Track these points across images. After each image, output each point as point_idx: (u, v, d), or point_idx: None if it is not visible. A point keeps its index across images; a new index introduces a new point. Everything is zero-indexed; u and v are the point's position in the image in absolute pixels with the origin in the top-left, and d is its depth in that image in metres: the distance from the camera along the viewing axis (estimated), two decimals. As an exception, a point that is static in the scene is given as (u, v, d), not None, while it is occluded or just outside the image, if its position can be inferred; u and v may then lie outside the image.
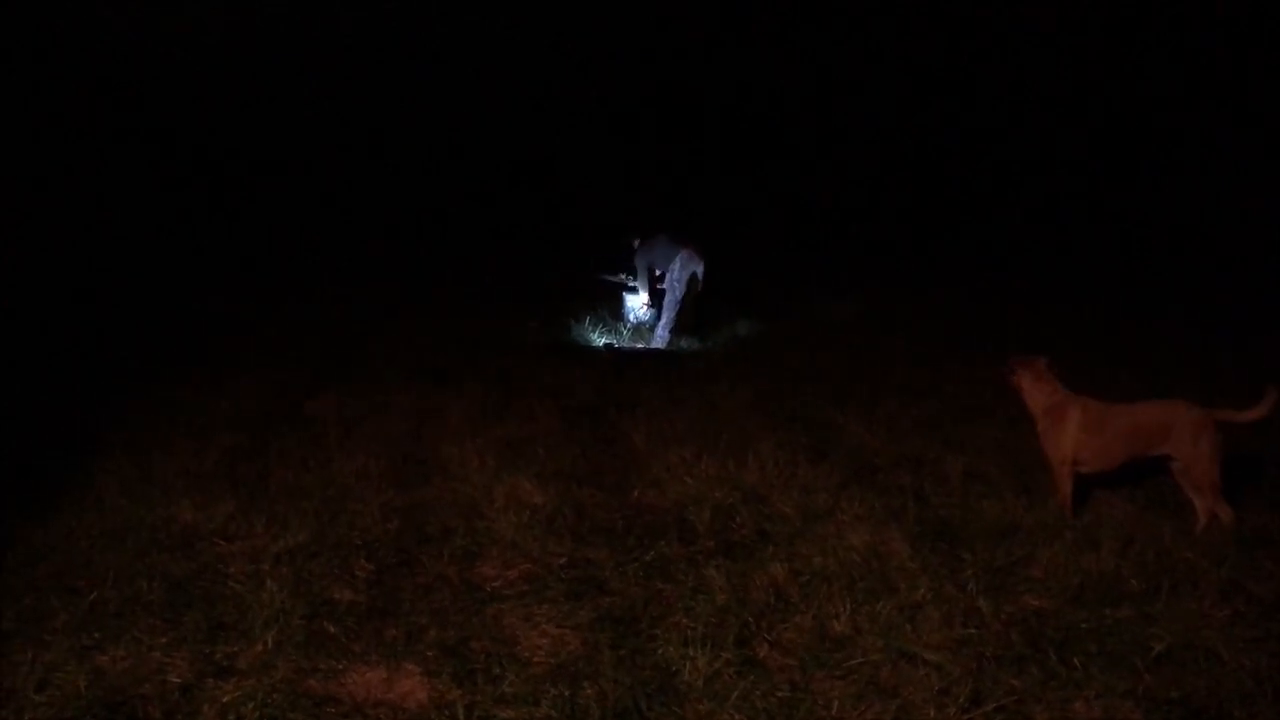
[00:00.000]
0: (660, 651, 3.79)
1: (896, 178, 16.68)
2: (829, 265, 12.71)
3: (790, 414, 6.73)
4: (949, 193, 16.22)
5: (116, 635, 3.85)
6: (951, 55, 16.73)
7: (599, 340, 9.19)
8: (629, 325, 9.44)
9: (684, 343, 9.02)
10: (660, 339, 8.95)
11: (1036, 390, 5.11)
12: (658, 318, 9.12)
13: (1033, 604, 4.07)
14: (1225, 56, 15.01)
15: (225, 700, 3.47)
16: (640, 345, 9.07)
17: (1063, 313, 9.91)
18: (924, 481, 5.43)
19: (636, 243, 9.27)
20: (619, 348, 8.97)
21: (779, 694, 3.53)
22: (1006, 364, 5.28)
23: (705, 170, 16.50)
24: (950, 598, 4.10)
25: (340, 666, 3.70)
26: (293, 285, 11.37)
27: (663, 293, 9.05)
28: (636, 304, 9.41)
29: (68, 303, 9.95)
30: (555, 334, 9.32)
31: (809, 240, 14.59)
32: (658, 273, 9.15)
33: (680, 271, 8.76)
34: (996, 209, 15.50)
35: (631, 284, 9.45)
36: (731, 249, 12.01)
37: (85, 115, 14.11)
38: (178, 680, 3.58)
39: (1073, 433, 4.89)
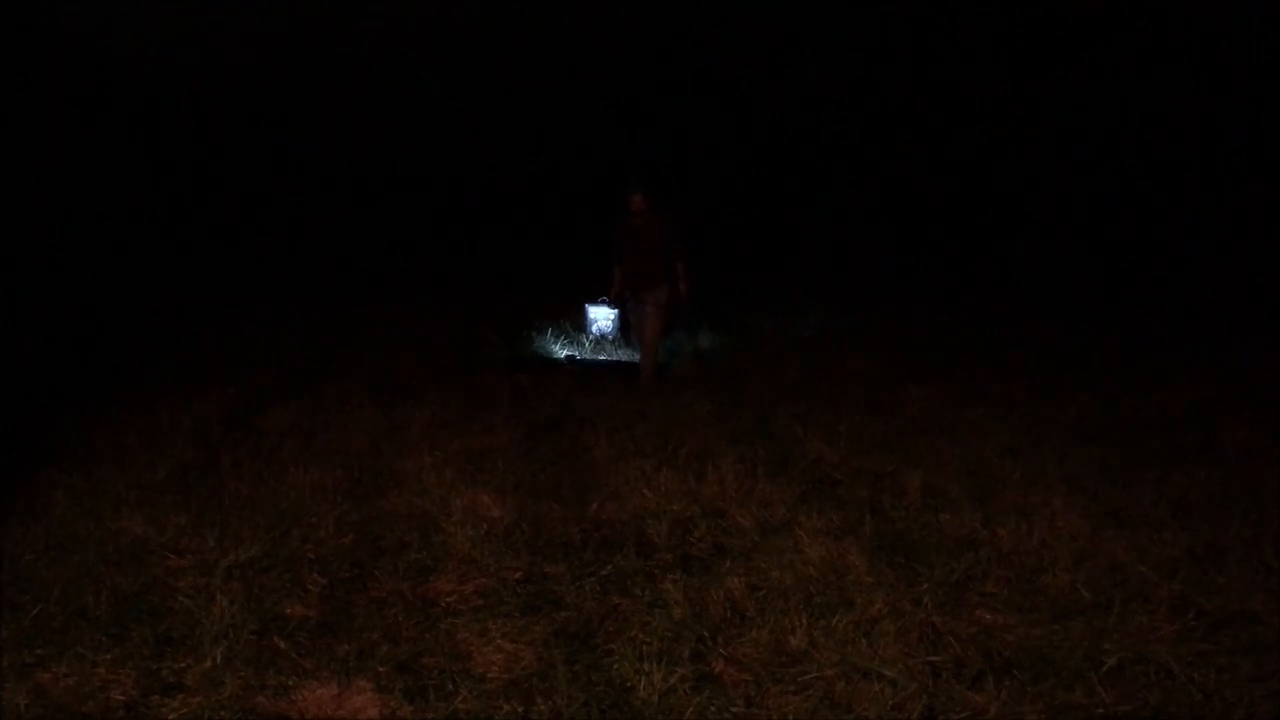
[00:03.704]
0: (615, 667, 3.76)
1: (887, 191, 16.69)
2: (805, 280, 12.72)
3: (750, 428, 6.73)
4: (938, 207, 16.27)
5: (60, 651, 3.78)
6: (949, 68, 16.80)
7: (561, 352, 9.16)
8: (591, 337, 9.42)
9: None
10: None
11: None
12: (617, 331, 9.13)
13: (987, 619, 4.08)
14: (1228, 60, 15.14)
15: (172, 718, 3.41)
16: (603, 357, 9.05)
17: (1040, 330, 9.97)
18: (882, 496, 5.44)
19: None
20: (581, 359, 8.96)
21: (734, 709, 3.51)
22: None
23: (693, 182, 16.47)
24: (906, 612, 4.10)
25: (290, 683, 3.65)
26: (261, 298, 11.26)
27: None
28: (599, 316, 9.40)
29: (36, 311, 9.78)
30: (518, 346, 9.29)
31: (790, 254, 14.61)
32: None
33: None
34: (986, 225, 15.53)
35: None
36: (705, 263, 12.03)
37: (66, 128, 14.01)
38: (122, 698, 3.52)
39: None
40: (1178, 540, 4.79)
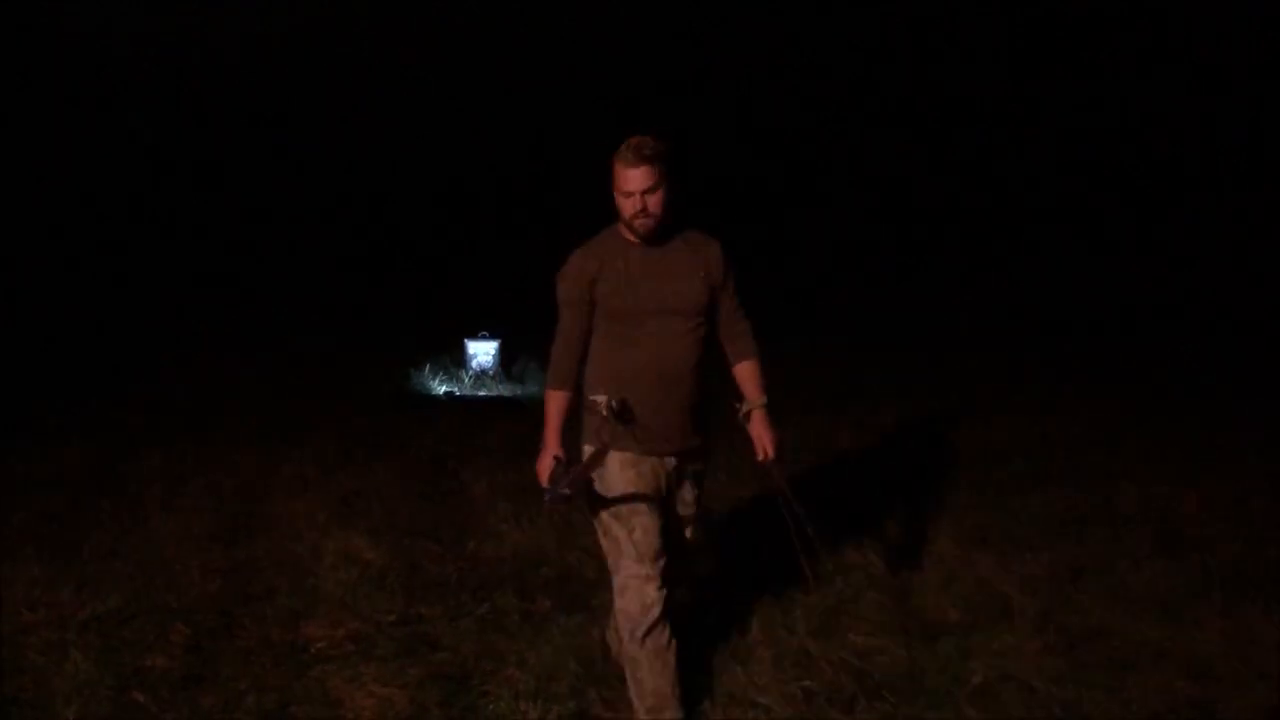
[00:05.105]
0: (491, 707, 3.72)
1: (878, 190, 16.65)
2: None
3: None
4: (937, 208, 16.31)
5: (-106, 723, 3.57)
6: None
7: (440, 389, 9.05)
8: (471, 373, 9.31)
9: (522, 391, 8.93)
10: None
11: None
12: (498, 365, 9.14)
13: (859, 642, 4.15)
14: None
15: (18, 783, 3.25)
16: (483, 393, 8.97)
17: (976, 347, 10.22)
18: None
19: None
20: (460, 396, 8.87)
21: (610, 745, 3.50)
22: None
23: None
24: (780, 639, 4.15)
25: (149, 740, 3.51)
26: (135, 340, 10.86)
27: None
28: (479, 350, 9.31)
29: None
30: (396, 383, 9.14)
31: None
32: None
33: None
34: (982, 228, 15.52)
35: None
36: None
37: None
38: (-35, 765, 3.33)
39: None
40: (1040, 560, 4.96)
